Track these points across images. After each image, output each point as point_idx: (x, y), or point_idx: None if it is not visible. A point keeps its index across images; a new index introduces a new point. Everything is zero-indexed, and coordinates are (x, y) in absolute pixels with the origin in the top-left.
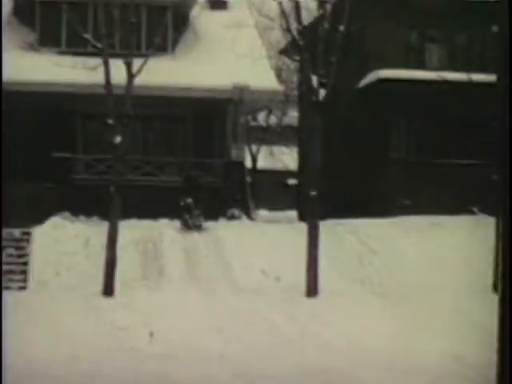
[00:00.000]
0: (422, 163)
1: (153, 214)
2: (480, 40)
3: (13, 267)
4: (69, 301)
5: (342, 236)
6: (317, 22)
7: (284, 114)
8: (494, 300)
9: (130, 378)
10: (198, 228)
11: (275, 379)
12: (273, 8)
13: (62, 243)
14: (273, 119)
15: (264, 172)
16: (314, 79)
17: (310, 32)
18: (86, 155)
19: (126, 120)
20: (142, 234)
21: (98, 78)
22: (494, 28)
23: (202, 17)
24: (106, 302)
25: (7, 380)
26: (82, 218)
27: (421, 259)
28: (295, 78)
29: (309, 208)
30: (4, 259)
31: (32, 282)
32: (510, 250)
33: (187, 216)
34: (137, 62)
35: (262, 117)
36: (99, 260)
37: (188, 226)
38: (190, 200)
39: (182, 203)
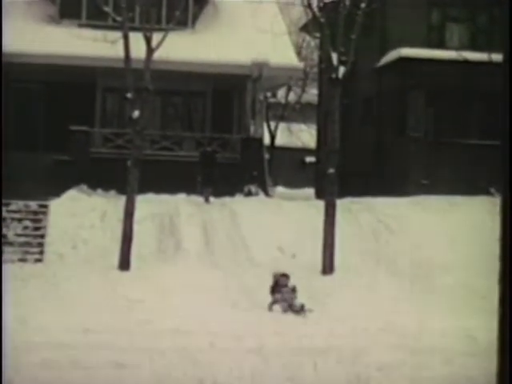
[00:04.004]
0: (441, 143)
1: (170, 188)
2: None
3: (29, 239)
4: (85, 274)
5: (358, 214)
6: None
7: (303, 91)
8: None
9: (143, 350)
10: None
11: (286, 354)
12: None
13: (79, 216)
14: (292, 96)
15: (282, 149)
16: (334, 56)
17: (330, 9)
18: (104, 129)
19: (144, 94)
20: (158, 209)
21: (118, 51)
22: None
23: None
24: (121, 275)
25: (20, 347)
26: (99, 191)
27: (437, 239)
28: (315, 55)
29: (326, 185)
30: (20, 231)
31: (48, 255)
32: (509, 249)
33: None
34: (157, 37)
35: (281, 93)
36: (116, 234)
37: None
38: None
39: (198, 178)
